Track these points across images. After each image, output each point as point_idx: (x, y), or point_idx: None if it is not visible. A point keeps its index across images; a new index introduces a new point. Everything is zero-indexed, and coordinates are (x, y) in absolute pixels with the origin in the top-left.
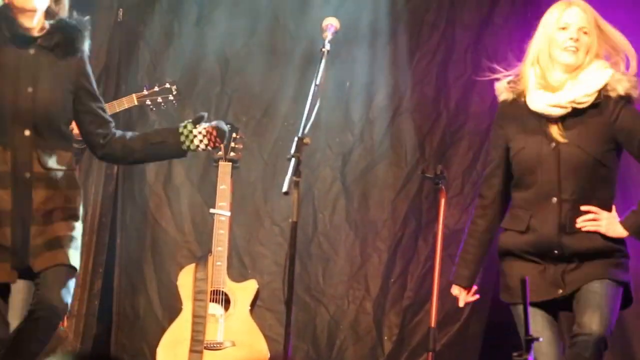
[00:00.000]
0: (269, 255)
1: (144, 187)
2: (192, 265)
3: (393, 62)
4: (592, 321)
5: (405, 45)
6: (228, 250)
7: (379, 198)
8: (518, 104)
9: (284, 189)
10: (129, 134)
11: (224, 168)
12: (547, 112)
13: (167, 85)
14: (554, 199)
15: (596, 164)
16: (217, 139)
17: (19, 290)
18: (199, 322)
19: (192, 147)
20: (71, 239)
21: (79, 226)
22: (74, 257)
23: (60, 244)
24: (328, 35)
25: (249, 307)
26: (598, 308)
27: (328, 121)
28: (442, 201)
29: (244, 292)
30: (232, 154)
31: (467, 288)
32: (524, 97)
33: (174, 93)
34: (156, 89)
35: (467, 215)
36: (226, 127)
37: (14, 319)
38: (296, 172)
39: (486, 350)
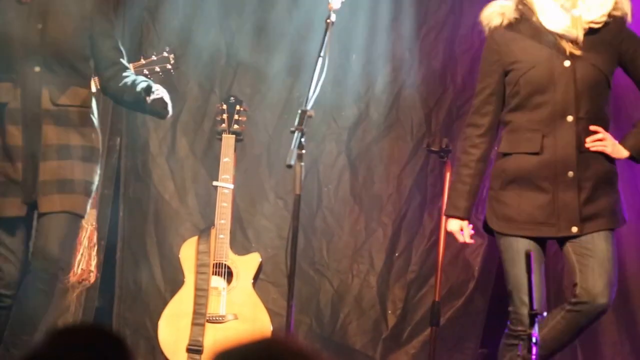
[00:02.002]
0: (272, 228)
1: (147, 159)
2: (195, 238)
3: (400, 35)
4: (598, 289)
5: (412, 19)
6: (231, 223)
7: (384, 172)
8: (516, 26)
9: (288, 162)
10: (129, 85)
11: (228, 141)
12: (569, 33)
13: (165, 54)
14: (570, 117)
15: (606, 82)
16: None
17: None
18: (201, 295)
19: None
20: (86, 184)
21: (96, 169)
22: (84, 204)
23: (72, 187)
24: (334, 7)
25: (252, 281)
26: (605, 273)
27: (334, 94)
28: (448, 175)
29: (246, 265)
30: (235, 126)
31: (466, 219)
32: (534, 12)
33: (172, 62)
34: (153, 57)
35: None
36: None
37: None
38: (299, 144)
39: (490, 325)
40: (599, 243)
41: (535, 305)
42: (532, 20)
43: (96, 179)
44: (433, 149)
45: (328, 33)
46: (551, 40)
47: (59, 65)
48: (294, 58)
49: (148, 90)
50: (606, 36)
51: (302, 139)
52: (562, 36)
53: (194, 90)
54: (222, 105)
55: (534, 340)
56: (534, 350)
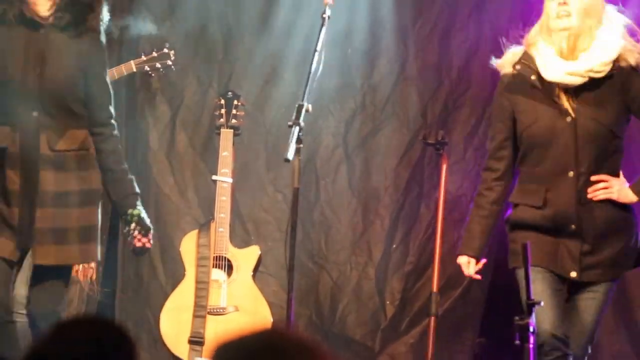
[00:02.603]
0: (272, 221)
1: (147, 154)
2: (195, 232)
3: (395, 28)
4: (578, 342)
5: (408, 12)
6: (230, 217)
7: (381, 165)
8: (522, 78)
9: (286, 155)
10: (115, 157)
11: (226, 135)
12: (565, 82)
13: (165, 50)
14: (571, 173)
15: (610, 135)
16: (141, 247)
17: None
18: (202, 287)
19: (127, 222)
20: (87, 230)
21: (96, 211)
22: (85, 252)
23: (67, 237)
24: (329, 1)
25: (252, 273)
26: (589, 328)
27: (330, 88)
28: (444, 167)
29: (246, 258)
30: (234, 121)
31: (476, 259)
32: (533, 70)
33: (172, 58)
34: (154, 54)
35: (469, 181)
36: (143, 251)
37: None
38: (297, 139)
39: (488, 315)
40: (585, 310)
41: (532, 296)
42: (530, 79)
43: (97, 221)
44: (429, 141)
45: (324, 28)
46: (551, 98)
47: (56, 109)
48: (291, 52)
49: (141, 223)
50: (611, 88)
51: (300, 133)
52: (560, 86)
53: (192, 85)
54: (220, 100)
55: (531, 329)
56: (532, 339)
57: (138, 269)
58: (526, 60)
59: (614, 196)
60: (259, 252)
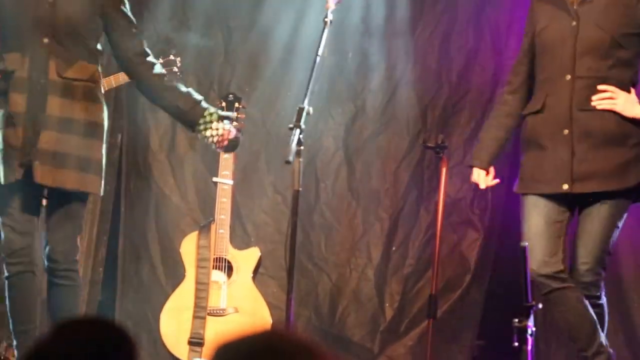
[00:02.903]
0: (271, 223)
1: (147, 155)
2: (195, 233)
3: (395, 32)
4: (586, 251)
5: (408, 16)
6: (231, 219)
7: (380, 167)
8: None
9: (287, 158)
10: (169, 77)
11: None
12: None
13: (172, 57)
14: (568, 76)
15: (614, 44)
16: (226, 143)
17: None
18: (202, 289)
19: (202, 133)
20: (86, 160)
21: (98, 145)
22: (83, 180)
23: (68, 162)
24: (331, 6)
25: (252, 275)
26: (596, 236)
27: (330, 91)
28: (444, 170)
29: (246, 259)
30: (234, 123)
31: (485, 170)
32: None
33: (179, 65)
34: (160, 61)
35: (468, 184)
36: (238, 142)
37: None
38: (298, 141)
39: (486, 317)
40: (590, 222)
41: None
42: None
43: (99, 155)
44: (429, 144)
45: (325, 31)
46: (563, 1)
47: (67, 39)
48: (292, 55)
49: (221, 118)
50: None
51: (301, 136)
52: None
53: (193, 87)
54: (221, 102)
55: (529, 332)
56: (530, 341)
57: (138, 269)
58: None
59: (618, 108)
60: (259, 254)
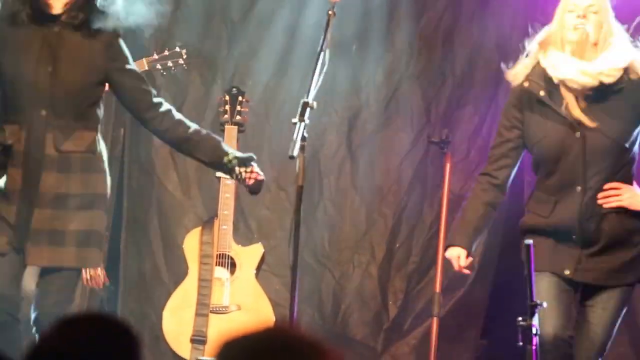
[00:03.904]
0: (275, 219)
1: (150, 151)
2: (198, 229)
3: (399, 26)
4: (587, 354)
5: (412, 10)
6: (234, 214)
7: (384, 163)
8: (534, 94)
9: (290, 153)
10: (182, 126)
11: (230, 132)
12: (576, 80)
13: (177, 49)
14: (579, 188)
15: (621, 149)
16: (251, 182)
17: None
18: (204, 285)
19: (232, 170)
20: (85, 234)
21: (99, 216)
22: (82, 256)
23: (63, 240)
24: (335, 0)
25: (255, 271)
26: (599, 340)
27: (334, 86)
28: (448, 166)
29: (249, 256)
30: (238, 117)
31: (466, 249)
32: (541, 86)
33: (184, 57)
34: (166, 52)
35: (472, 180)
36: (261, 184)
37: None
38: (302, 136)
39: (490, 316)
40: (592, 322)
41: (535, 297)
42: (539, 95)
43: (99, 226)
44: (433, 140)
45: (329, 25)
46: (561, 113)
47: (66, 109)
48: (295, 49)
49: (242, 161)
50: (620, 102)
51: (304, 131)
52: (570, 91)
53: (196, 82)
54: (224, 96)
55: (534, 330)
56: (534, 340)
57: (140, 266)
58: (534, 76)
59: (625, 204)
60: (263, 250)
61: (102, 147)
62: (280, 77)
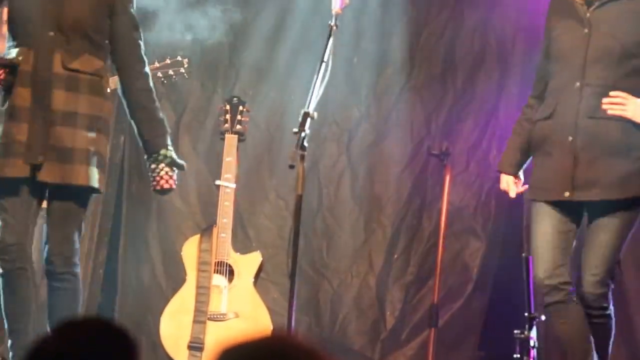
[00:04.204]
0: (273, 228)
1: None
2: (197, 236)
3: (401, 39)
4: (592, 263)
5: (414, 23)
6: (233, 222)
7: (384, 174)
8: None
9: (290, 162)
10: (149, 96)
11: (230, 141)
12: None
13: (179, 58)
14: (577, 84)
15: (627, 54)
16: (158, 188)
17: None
18: (202, 292)
19: (149, 165)
20: (92, 154)
21: (103, 139)
22: (86, 173)
23: (74, 158)
24: (337, 11)
25: (253, 279)
26: (603, 249)
27: (335, 96)
28: (447, 178)
29: (248, 264)
30: (238, 127)
31: (514, 175)
32: None
33: (186, 66)
34: (168, 61)
35: (471, 192)
36: (168, 192)
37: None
38: (301, 146)
39: (488, 327)
40: (601, 233)
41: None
42: None
43: (104, 150)
44: (433, 152)
45: (331, 37)
46: (577, 10)
47: (74, 33)
48: (296, 59)
49: (172, 163)
50: (634, 4)
51: (305, 140)
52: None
53: (196, 91)
54: (225, 105)
55: (531, 343)
56: (532, 353)
57: (139, 272)
58: None
59: (628, 114)
60: (261, 259)
61: (108, 77)
62: (281, 88)
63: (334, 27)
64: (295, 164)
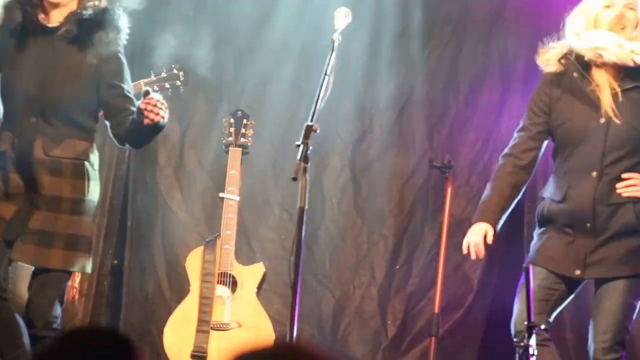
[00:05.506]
0: (277, 240)
1: (155, 171)
2: (201, 248)
3: (404, 53)
4: (604, 337)
5: (418, 38)
6: (237, 234)
7: (386, 187)
8: (566, 77)
9: (294, 175)
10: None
11: (234, 154)
12: (611, 50)
13: (175, 71)
14: (594, 173)
15: None
16: (152, 116)
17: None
18: (206, 303)
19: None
20: (75, 238)
21: (86, 221)
22: (67, 259)
23: (53, 242)
24: (340, 26)
25: (256, 290)
26: (611, 316)
27: (338, 110)
28: (449, 190)
29: (251, 274)
30: (242, 140)
31: (493, 226)
32: (576, 67)
33: (182, 79)
34: (163, 74)
35: (473, 205)
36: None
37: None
38: (304, 158)
39: (488, 337)
40: (608, 298)
41: (533, 318)
42: (573, 75)
43: (89, 232)
44: (435, 164)
45: (334, 51)
46: (590, 97)
47: (56, 118)
48: (300, 73)
49: (139, 113)
50: None
51: (308, 153)
52: (600, 65)
53: (201, 104)
54: (229, 119)
55: (530, 351)
56: None
57: (143, 283)
58: (570, 55)
59: None
60: (264, 270)
61: (95, 156)
62: (285, 101)
63: (337, 42)
64: (298, 177)
